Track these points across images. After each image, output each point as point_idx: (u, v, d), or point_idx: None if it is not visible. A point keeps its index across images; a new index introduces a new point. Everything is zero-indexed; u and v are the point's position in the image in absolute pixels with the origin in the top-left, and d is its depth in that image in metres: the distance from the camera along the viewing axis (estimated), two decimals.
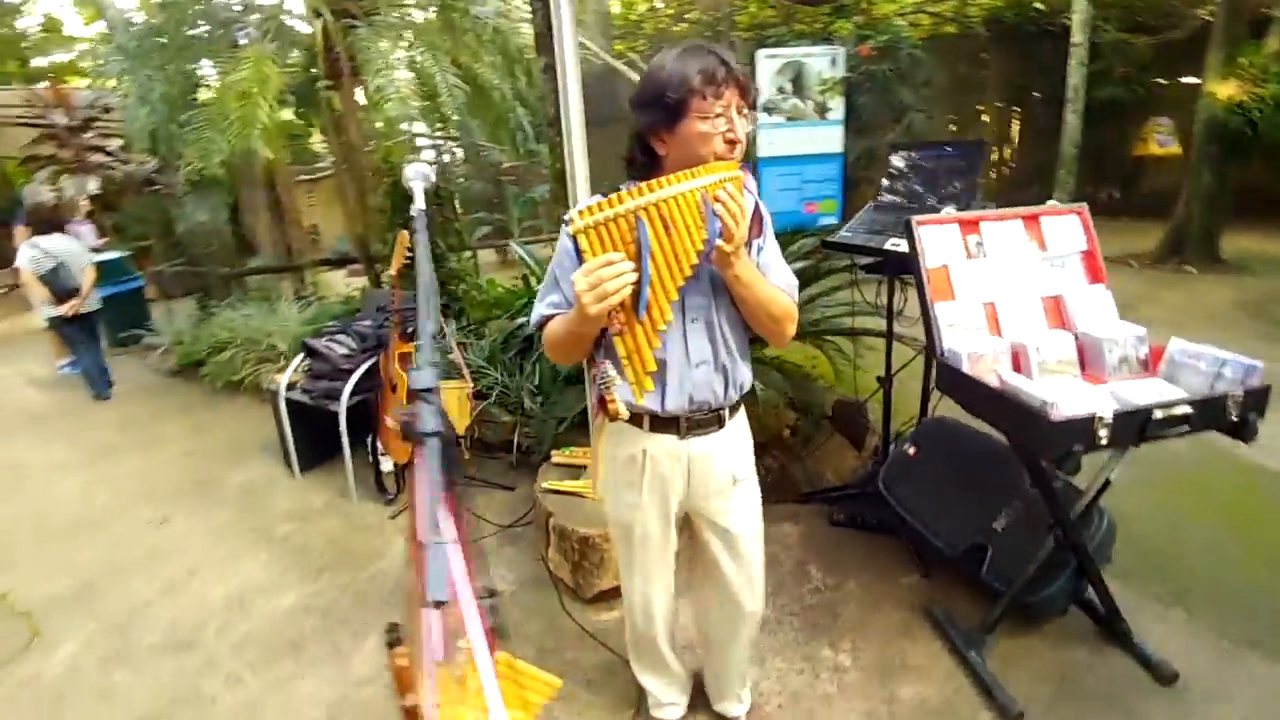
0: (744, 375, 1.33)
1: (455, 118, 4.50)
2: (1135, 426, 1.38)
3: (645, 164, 1.20)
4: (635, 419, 1.28)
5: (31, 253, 4.25)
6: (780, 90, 4.67)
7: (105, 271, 5.90)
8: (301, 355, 3.29)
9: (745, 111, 1.16)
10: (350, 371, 2.99)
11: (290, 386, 3.20)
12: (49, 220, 4.57)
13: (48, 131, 6.88)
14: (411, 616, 0.96)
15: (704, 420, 1.31)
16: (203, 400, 4.50)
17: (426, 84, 4.08)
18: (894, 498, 2.23)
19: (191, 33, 3.77)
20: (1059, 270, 1.82)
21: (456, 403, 2.88)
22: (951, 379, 1.68)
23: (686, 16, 6.56)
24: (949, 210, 1.91)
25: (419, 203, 1.44)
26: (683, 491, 1.36)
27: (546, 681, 1.77)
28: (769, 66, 4.62)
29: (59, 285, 4.29)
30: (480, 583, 1.66)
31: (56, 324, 4.47)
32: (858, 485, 2.58)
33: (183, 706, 1.97)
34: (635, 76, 5.36)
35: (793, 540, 2.47)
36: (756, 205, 1.24)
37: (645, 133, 1.18)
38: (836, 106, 4.73)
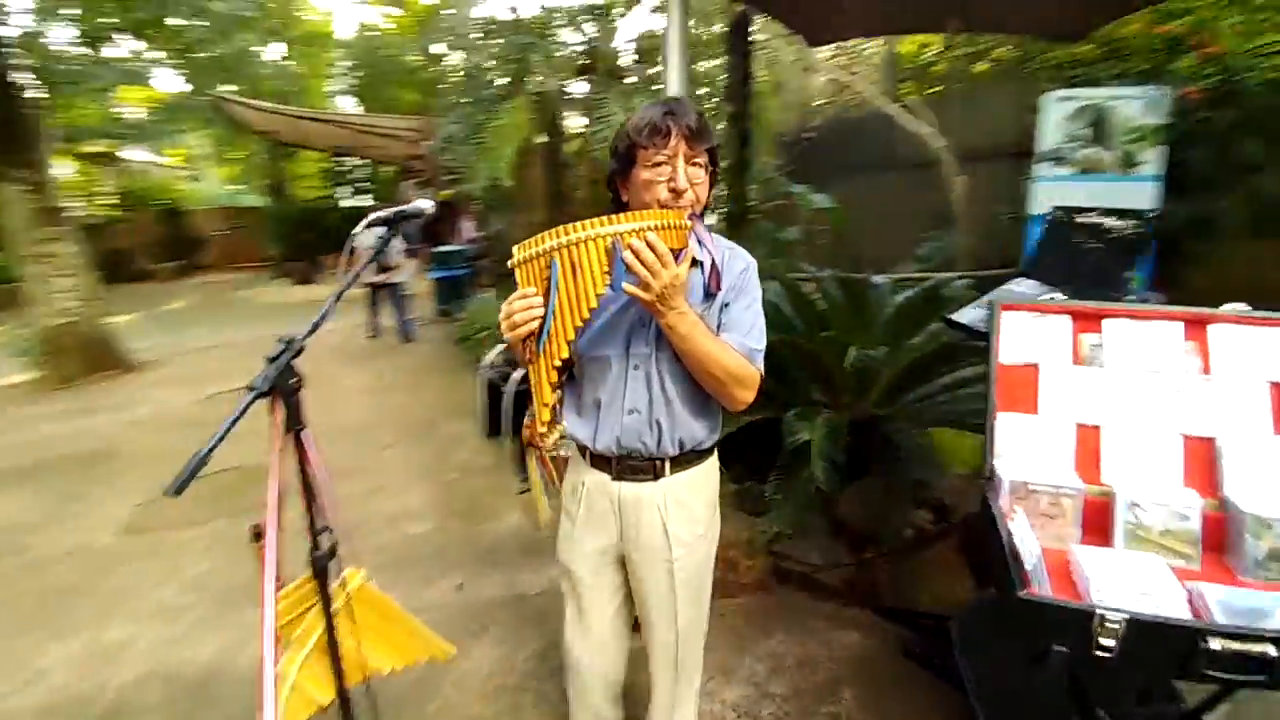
0: (689, 432, 1.27)
1: None
2: (1170, 652, 0.91)
3: (616, 209, 1.25)
4: (581, 449, 1.33)
5: (370, 236, 6.17)
6: (1072, 138, 3.91)
7: (444, 259, 7.90)
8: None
9: (699, 161, 1.16)
10: None
11: (491, 366, 3.91)
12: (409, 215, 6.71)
13: (416, 151, 9.35)
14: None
15: (637, 466, 1.28)
16: (461, 366, 5.71)
17: None
18: (965, 659, 1.76)
19: (485, 92, 4.89)
20: (1225, 403, 1.25)
21: None
22: (980, 517, 1.30)
23: (993, 54, 5.81)
24: (1053, 297, 1.47)
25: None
26: (615, 535, 1.34)
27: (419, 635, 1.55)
28: (1059, 110, 3.91)
29: (381, 263, 6.46)
30: None
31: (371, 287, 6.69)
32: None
33: None
34: (911, 123, 5.02)
35: (843, 653, 2.12)
36: (714, 260, 1.20)
37: (611, 178, 1.25)
38: (1150, 158, 3.77)
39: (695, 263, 1.19)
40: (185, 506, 3.22)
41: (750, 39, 3.39)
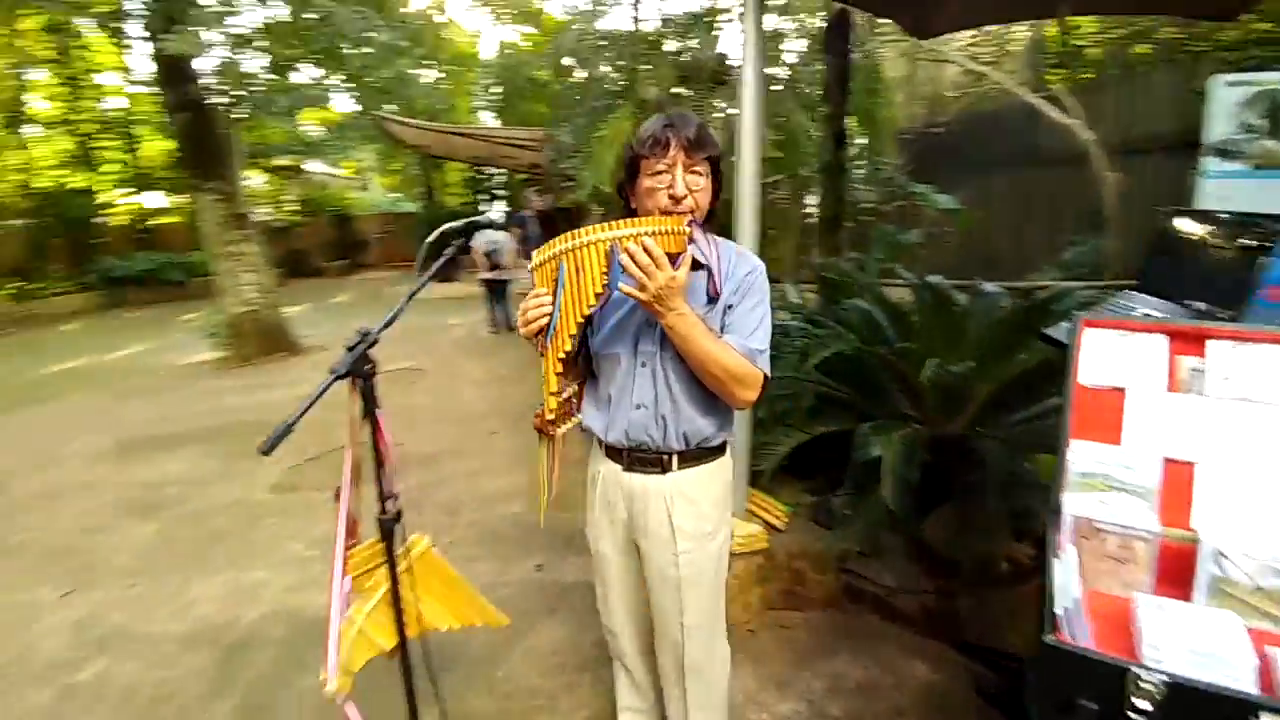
0: (694, 427, 1.32)
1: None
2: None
3: (626, 215, 1.31)
4: (597, 441, 1.43)
5: (483, 238, 6.68)
6: (1247, 128, 3.39)
7: None
8: None
9: (698, 169, 1.22)
10: None
11: None
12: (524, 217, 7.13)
13: (540, 160, 9.87)
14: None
15: (645, 459, 1.36)
16: None
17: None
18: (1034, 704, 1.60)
19: (595, 102, 5.09)
20: None
21: None
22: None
23: (1155, 36, 5.05)
24: (1143, 313, 1.30)
25: None
26: (626, 522, 1.42)
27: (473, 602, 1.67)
28: (1230, 97, 3.41)
29: (494, 261, 6.97)
30: None
31: (485, 284, 7.27)
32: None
33: None
34: (1056, 113, 4.54)
35: (910, 682, 2.00)
36: (715, 265, 1.23)
37: (621, 187, 1.34)
38: None
39: (699, 266, 1.23)
40: (324, 473, 3.72)
41: (849, 37, 3.26)
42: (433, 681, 1.43)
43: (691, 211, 1.22)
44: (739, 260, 1.32)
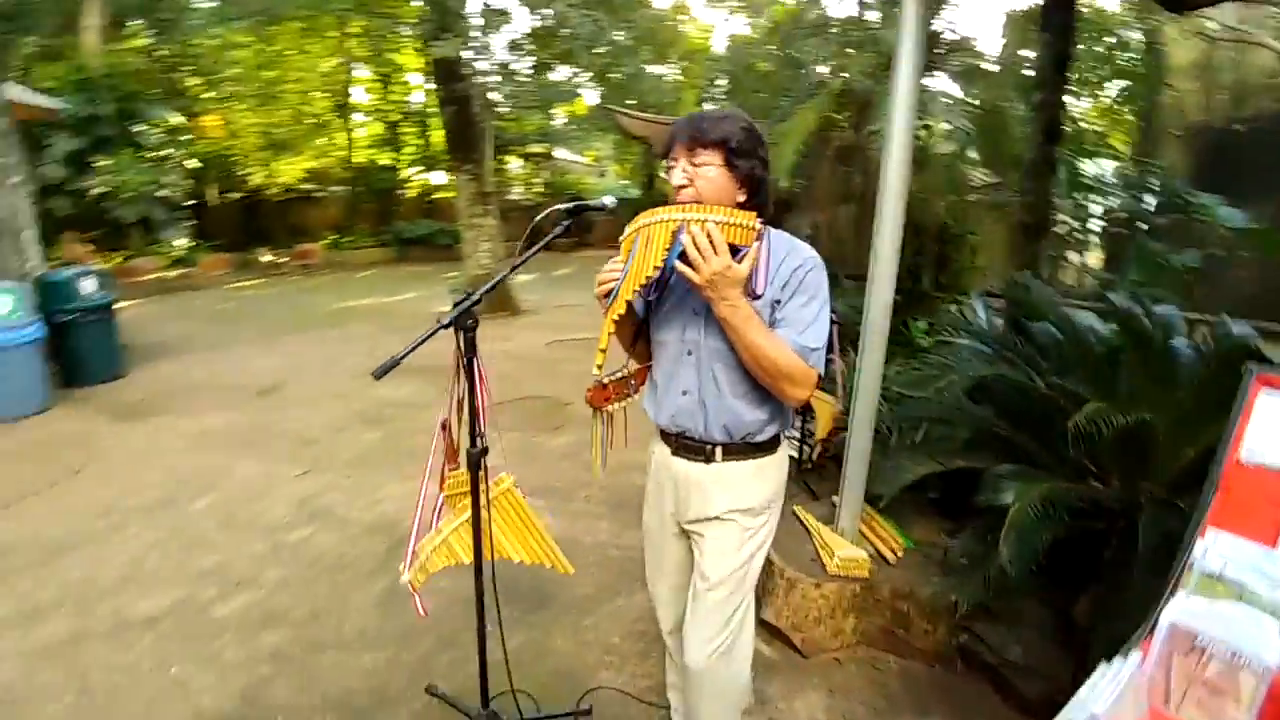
0: (736, 419, 1.33)
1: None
2: None
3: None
4: (654, 423, 1.48)
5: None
6: None
7: None
8: None
9: (700, 160, 1.26)
10: None
11: None
12: None
13: None
14: None
15: (690, 446, 1.39)
16: None
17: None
18: None
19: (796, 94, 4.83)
20: None
21: (828, 415, 3.08)
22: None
23: None
24: None
25: None
26: (673, 505, 1.46)
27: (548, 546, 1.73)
28: None
29: None
30: None
31: None
32: None
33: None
34: None
35: None
36: (756, 262, 1.26)
37: None
38: None
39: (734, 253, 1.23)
40: (505, 418, 4.28)
41: (1071, 12, 2.65)
42: (495, 603, 1.62)
43: (695, 198, 1.26)
44: (790, 255, 1.30)
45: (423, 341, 1.42)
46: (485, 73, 7.94)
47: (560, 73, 11.96)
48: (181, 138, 11.39)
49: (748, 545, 1.40)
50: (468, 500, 1.64)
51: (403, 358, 1.39)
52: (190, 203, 11.77)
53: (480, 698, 1.70)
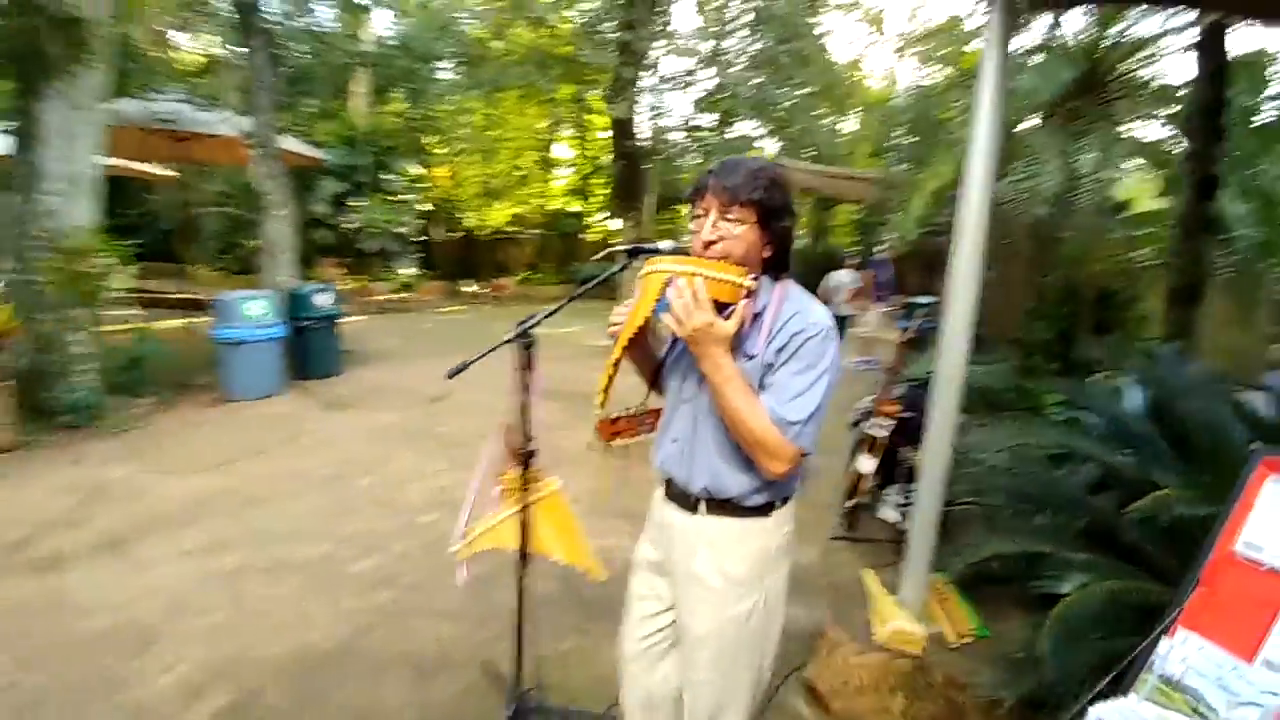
0: (715, 478, 1.29)
1: None
2: None
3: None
4: None
5: (833, 278, 6.86)
6: None
7: (910, 310, 7.90)
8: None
9: (732, 216, 1.21)
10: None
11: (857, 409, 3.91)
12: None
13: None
14: None
15: (677, 494, 1.37)
16: None
17: None
18: None
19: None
20: None
21: None
22: None
23: None
24: None
25: None
26: (659, 549, 1.44)
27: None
28: None
29: (824, 296, 7.03)
30: None
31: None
32: None
33: None
34: None
35: None
36: (760, 315, 1.25)
37: None
38: None
39: (754, 317, 1.24)
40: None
41: (1222, 56, 2.22)
42: (520, 588, 1.82)
43: (723, 255, 1.21)
44: (795, 317, 1.23)
45: (489, 353, 1.73)
46: (667, 129, 8.62)
47: (743, 126, 12.51)
48: (419, 185, 13.81)
49: (737, 610, 1.31)
50: (516, 495, 1.90)
51: (472, 363, 1.71)
52: (420, 239, 14.14)
53: (515, 678, 1.91)
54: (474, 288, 14.91)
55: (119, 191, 12.42)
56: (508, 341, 1.71)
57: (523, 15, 6.81)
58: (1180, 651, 0.86)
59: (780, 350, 1.21)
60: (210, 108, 7.61)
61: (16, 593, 2.62)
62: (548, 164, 17.35)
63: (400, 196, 12.77)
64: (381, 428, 5.04)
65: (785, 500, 1.35)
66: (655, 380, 1.50)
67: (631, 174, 7.77)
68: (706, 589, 1.32)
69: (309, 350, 6.27)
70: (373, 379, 6.64)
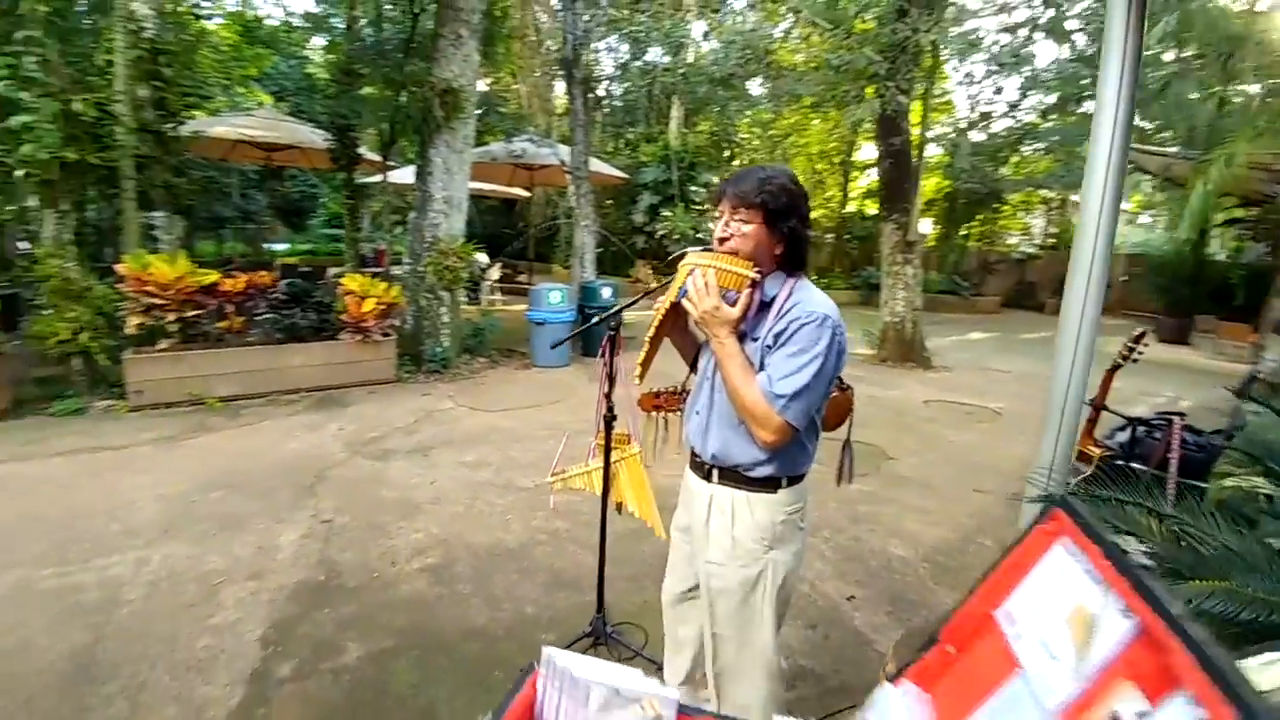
0: (724, 447, 1.46)
1: None
2: None
3: None
4: None
5: None
6: None
7: None
8: None
9: (742, 217, 1.40)
10: None
11: None
12: None
13: None
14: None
15: (697, 462, 1.56)
16: None
17: None
18: None
19: None
20: None
21: None
22: None
23: None
24: None
25: None
26: (689, 514, 1.63)
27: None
28: None
29: None
30: None
31: None
32: None
33: None
34: None
35: None
36: (762, 302, 1.43)
37: None
38: None
39: (764, 306, 1.42)
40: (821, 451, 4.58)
41: None
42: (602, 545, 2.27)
43: (736, 250, 1.41)
44: (796, 307, 1.38)
45: (578, 334, 2.24)
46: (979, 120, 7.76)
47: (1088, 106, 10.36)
48: None
49: (746, 572, 1.47)
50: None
51: (569, 339, 2.25)
52: None
53: (597, 604, 2.41)
54: None
55: (495, 211, 16.60)
56: (597, 324, 2.13)
57: (821, 29, 6.93)
58: (900, 702, 0.85)
59: (779, 335, 1.37)
60: (545, 144, 9.75)
61: (355, 470, 4.13)
62: (850, 167, 16.83)
63: (701, 206, 14.06)
64: (629, 396, 5.97)
65: (793, 481, 1.48)
66: (694, 362, 1.73)
67: (899, 174, 7.29)
68: (718, 548, 1.50)
69: (590, 333, 7.65)
70: (630, 360, 7.74)
